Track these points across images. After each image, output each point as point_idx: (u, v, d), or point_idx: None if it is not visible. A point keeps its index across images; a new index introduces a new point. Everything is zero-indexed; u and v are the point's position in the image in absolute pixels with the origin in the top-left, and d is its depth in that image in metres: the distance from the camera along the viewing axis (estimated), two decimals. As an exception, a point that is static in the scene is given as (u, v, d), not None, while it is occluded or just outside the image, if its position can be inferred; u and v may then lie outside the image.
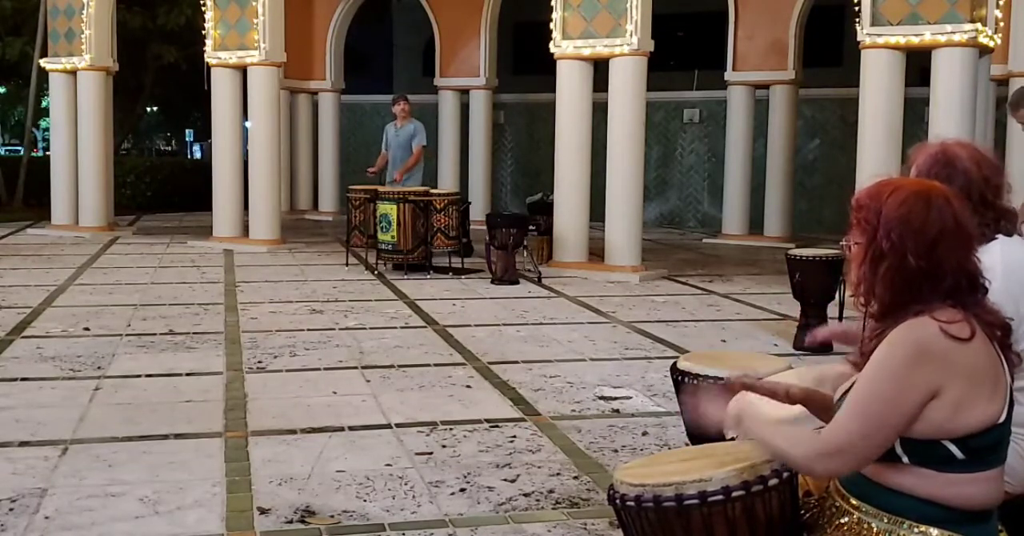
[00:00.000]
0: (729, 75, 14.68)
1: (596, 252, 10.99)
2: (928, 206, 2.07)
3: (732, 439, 2.57)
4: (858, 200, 2.16)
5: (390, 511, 3.83)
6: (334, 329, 7.49)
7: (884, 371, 2.03)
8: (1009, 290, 2.51)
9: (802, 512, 2.23)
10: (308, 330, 7.43)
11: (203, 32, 12.98)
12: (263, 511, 3.81)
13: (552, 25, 10.77)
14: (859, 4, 9.03)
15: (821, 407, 2.35)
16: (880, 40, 8.94)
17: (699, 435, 3.44)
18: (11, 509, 3.79)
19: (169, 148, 43.22)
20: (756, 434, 2.16)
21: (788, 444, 2.08)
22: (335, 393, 5.61)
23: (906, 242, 2.06)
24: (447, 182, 16.27)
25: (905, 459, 2.05)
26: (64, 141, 14.21)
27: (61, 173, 14.31)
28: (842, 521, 2.12)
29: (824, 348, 6.89)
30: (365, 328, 7.56)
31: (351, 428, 4.91)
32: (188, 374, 6.02)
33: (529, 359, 6.56)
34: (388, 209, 10.28)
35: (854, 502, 2.11)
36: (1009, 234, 2.72)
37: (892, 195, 2.10)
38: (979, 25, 8.69)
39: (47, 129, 20.57)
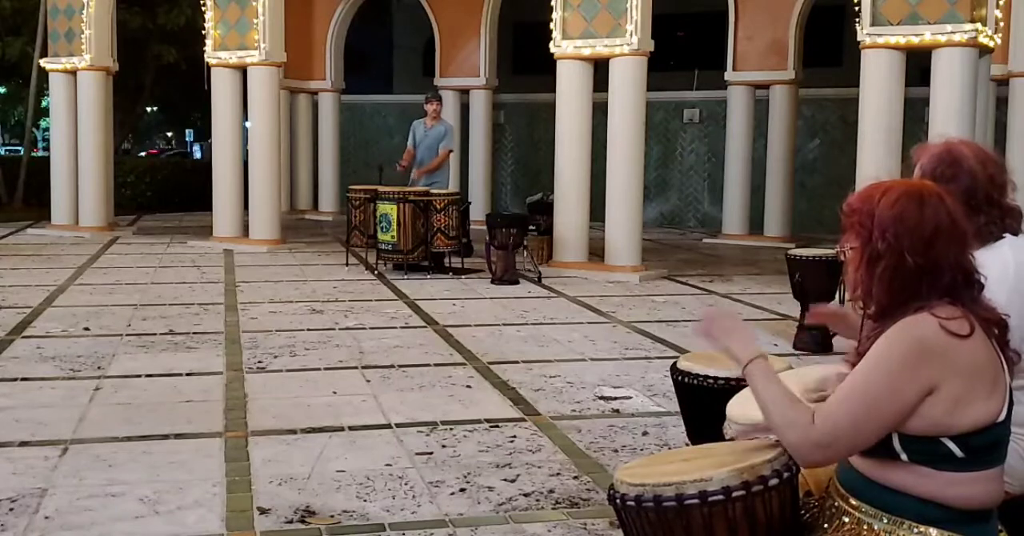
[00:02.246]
0: (729, 75, 14.69)
1: (596, 252, 10.99)
2: (922, 204, 2.08)
3: (732, 439, 2.58)
4: (849, 205, 2.16)
5: (390, 511, 3.83)
6: (334, 329, 7.49)
7: (881, 365, 2.03)
8: (1021, 292, 2.51)
9: (802, 512, 2.23)
10: (308, 330, 7.43)
11: (203, 32, 12.98)
12: (263, 511, 3.81)
13: (552, 25, 10.77)
14: (859, 4, 9.03)
15: None
16: (880, 40, 8.94)
17: (699, 435, 3.44)
18: (11, 509, 3.79)
19: (169, 148, 43.22)
20: (758, 390, 2.15)
21: (784, 424, 2.08)
22: (335, 393, 5.61)
23: (902, 241, 2.06)
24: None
25: (904, 457, 2.05)
26: (64, 141, 14.21)
27: (61, 173, 14.32)
28: (842, 521, 2.12)
29: (824, 348, 6.90)
30: (365, 328, 7.56)
31: (351, 428, 4.91)
32: (188, 374, 6.02)
33: (529, 359, 6.56)
34: (388, 209, 10.28)
35: (854, 502, 2.11)
36: (1015, 233, 2.72)
37: (884, 196, 2.11)
38: (979, 25, 8.69)
39: (47, 129, 20.57)
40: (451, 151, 11.66)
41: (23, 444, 4.60)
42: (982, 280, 2.12)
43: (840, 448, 2.04)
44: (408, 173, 11.78)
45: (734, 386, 3.24)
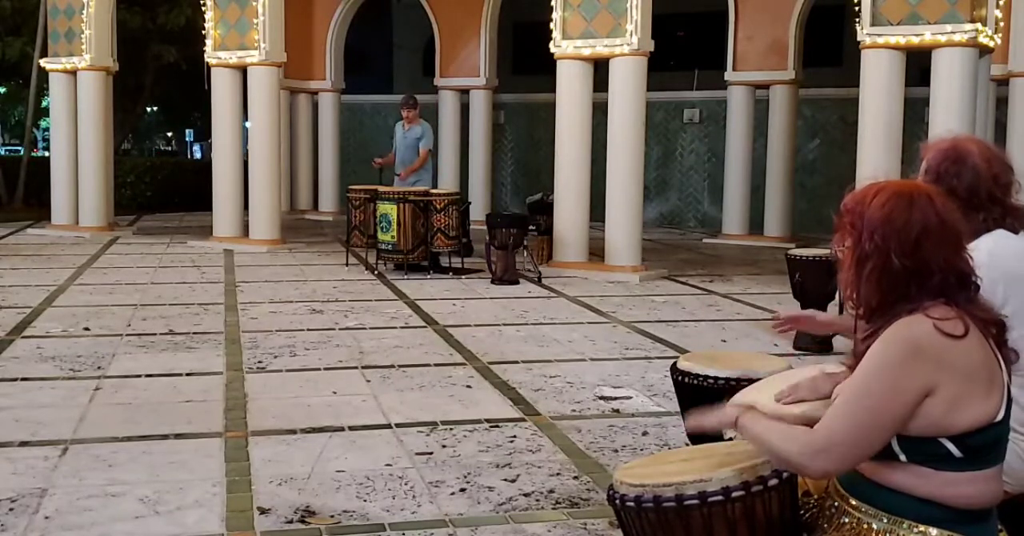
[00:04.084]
0: (729, 75, 14.69)
1: (596, 252, 10.99)
2: (910, 205, 2.08)
3: (732, 439, 2.58)
4: (844, 205, 2.17)
5: (390, 511, 3.83)
6: (334, 329, 7.49)
7: (878, 369, 2.03)
8: (991, 270, 2.52)
9: (802, 512, 2.23)
10: (308, 330, 7.43)
11: (203, 32, 12.98)
12: (263, 511, 3.81)
13: (552, 25, 10.77)
14: (859, 4, 9.03)
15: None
16: (880, 40, 8.94)
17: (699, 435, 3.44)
18: (11, 509, 3.79)
19: (169, 148, 43.20)
20: (751, 432, 2.17)
21: (782, 441, 2.08)
22: (335, 393, 5.61)
23: (889, 242, 2.06)
24: (447, 182, 16.27)
25: (903, 457, 2.05)
26: (64, 141, 14.21)
27: (61, 173, 14.32)
28: (842, 521, 2.12)
29: (823, 349, 6.91)
30: (365, 328, 7.57)
31: (351, 428, 4.91)
32: (188, 374, 6.02)
33: (529, 359, 6.56)
34: (388, 209, 10.28)
35: (853, 502, 2.11)
36: (1015, 231, 2.72)
37: (875, 197, 2.11)
38: (979, 25, 8.69)
39: (47, 129, 20.57)
40: (429, 150, 11.71)
41: (23, 444, 4.60)
42: (978, 282, 2.12)
43: (844, 454, 2.02)
44: (387, 174, 11.88)
45: (734, 386, 3.25)
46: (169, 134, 42.45)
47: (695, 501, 2.07)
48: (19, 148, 27.98)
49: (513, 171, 18.81)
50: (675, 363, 3.73)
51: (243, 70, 12.79)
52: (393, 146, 11.91)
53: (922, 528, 2.04)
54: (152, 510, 3.81)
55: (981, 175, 2.68)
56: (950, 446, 2.01)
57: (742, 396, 2.76)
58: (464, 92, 17.09)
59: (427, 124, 12.02)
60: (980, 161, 2.69)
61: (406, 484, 4.12)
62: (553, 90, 11.03)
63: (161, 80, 21.94)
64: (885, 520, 2.06)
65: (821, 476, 2.17)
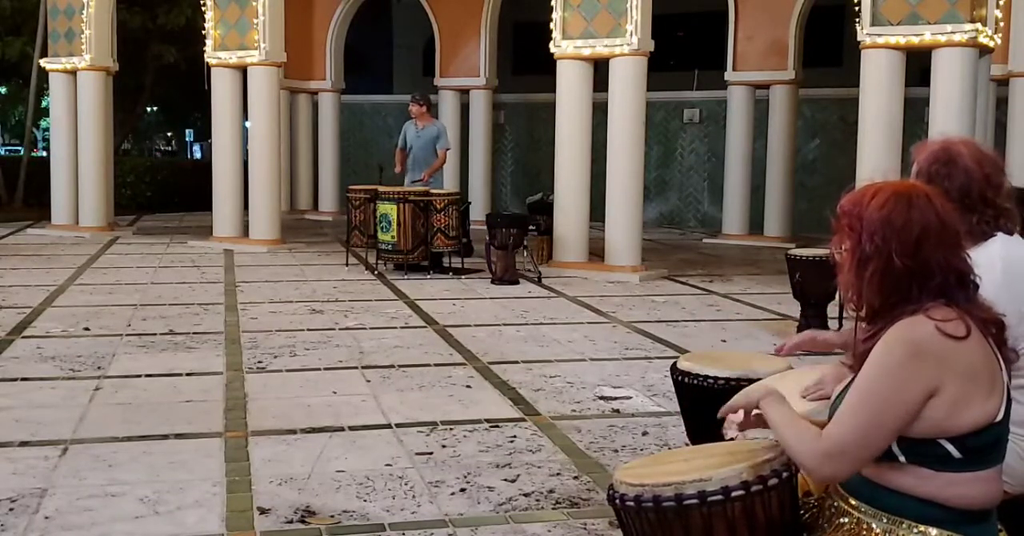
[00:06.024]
0: (729, 75, 14.70)
1: (596, 252, 10.99)
2: (909, 206, 2.08)
3: (732, 439, 2.58)
4: (841, 207, 2.17)
5: (390, 511, 3.83)
6: (334, 329, 7.49)
7: (882, 371, 2.03)
8: (1010, 287, 2.52)
9: (802, 512, 2.23)
10: (308, 330, 7.43)
11: (203, 32, 12.99)
12: (263, 511, 3.81)
13: (552, 25, 10.77)
14: (859, 4, 9.03)
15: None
16: (880, 40, 8.94)
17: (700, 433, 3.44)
18: (11, 509, 3.79)
19: (169, 148, 43.16)
20: (769, 416, 2.20)
21: (795, 440, 2.10)
22: (335, 393, 5.61)
23: (890, 243, 2.06)
24: (447, 182, 16.23)
25: (902, 458, 2.05)
26: (64, 141, 14.22)
27: (61, 173, 14.32)
28: (841, 521, 2.12)
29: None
30: (365, 328, 7.57)
31: (351, 428, 4.91)
32: (188, 374, 6.02)
33: (529, 359, 6.56)
34: (388, 209, 10.28)
35: (853, 502, 2.11)
36: (1009, 233, 2.72)
37: (873, 198, 2.11)
38: (979, 25, 8.69)
39: (47, 129, 20.57)
40: (448, 149, 11.61)
41: (23, 444, 4.60)
42: (976, 281, 2.12)
43: (852, 458, 2.03)
44: (403, 175, 11.75)
45: (734, 386, 3.25)
46: (169, 134, 42.42)
47: (694, 501, 2.06)
48: (19, 148, 27.97)
49: (513, 171, 18.81)
50: (675, 363, 3.73)
51: (243, 70, 12.78)
52: (405, 145, 11.57)
53: (922, 528, 2.04)
54: (152, 510, 3.81)
55: (972, 176, 2.67)
56: (950, 447, 2.01)
57: (770, 381, 2.77)
58: (464, 92, 17.09)
59: (442, 123, 11.94)
60: (971, 162, 2.68)
61: (406, 484, 4.12)
62: (553, 90, 11.03)
63: (161, 80, 21.93)
64: (885, 520, 2.06)
65: (828, 479, 2.17)
